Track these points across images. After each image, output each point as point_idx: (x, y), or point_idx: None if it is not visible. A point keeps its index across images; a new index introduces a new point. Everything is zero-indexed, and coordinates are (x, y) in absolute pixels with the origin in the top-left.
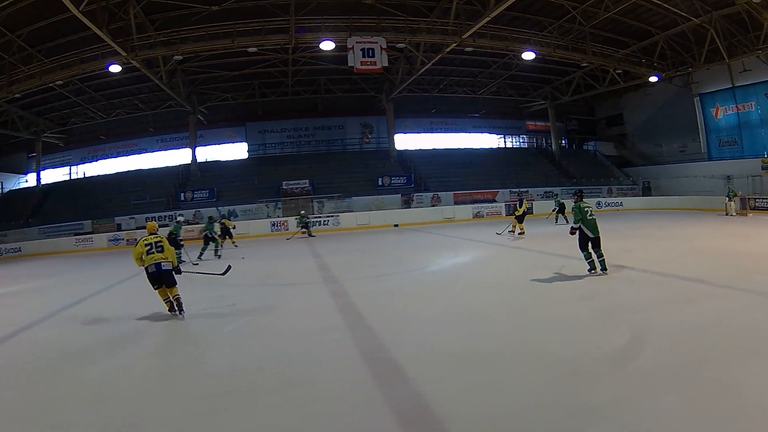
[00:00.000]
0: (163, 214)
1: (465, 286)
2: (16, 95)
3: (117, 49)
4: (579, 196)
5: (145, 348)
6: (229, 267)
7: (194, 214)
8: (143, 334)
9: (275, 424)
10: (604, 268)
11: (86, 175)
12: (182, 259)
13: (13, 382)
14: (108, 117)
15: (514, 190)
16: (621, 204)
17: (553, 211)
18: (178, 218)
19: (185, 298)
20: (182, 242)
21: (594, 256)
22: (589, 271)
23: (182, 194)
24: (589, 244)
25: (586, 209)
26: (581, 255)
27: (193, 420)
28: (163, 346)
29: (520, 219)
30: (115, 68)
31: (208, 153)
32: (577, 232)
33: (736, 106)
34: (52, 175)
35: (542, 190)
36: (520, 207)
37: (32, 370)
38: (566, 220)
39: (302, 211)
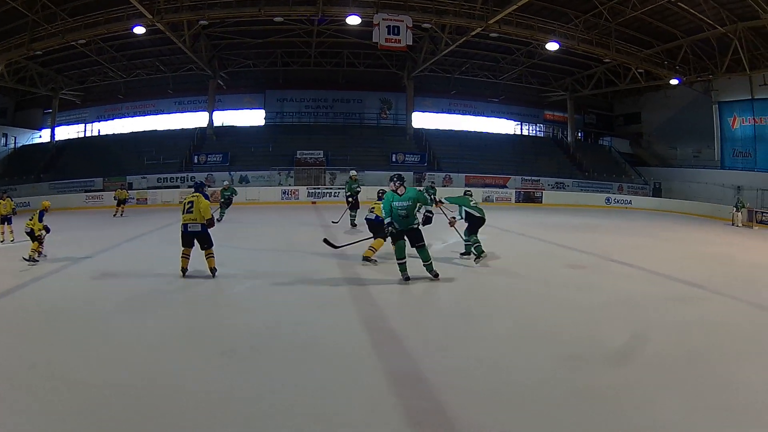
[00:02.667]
0: (175, 175)
1: (466, 266)
2: (38, 52)
3: (143, 11)
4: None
5: (155, 305)
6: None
7: (206, 177)
8: (152, 292)
9: (281, 380)
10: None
11: (101, 134)
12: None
13: (22, 334)
14: (127, 77)
15: (526, 177)
16: (630, 202)
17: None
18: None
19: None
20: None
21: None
22: (475, 260)
23: (196, 157)
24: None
25: (469, 199)
26: (583, 248)
27: (211, 373)
28: (166, 306)
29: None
30: (139, 30)
31: (225, 118)
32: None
33: (754, 119)
34: (66, 132)
35: (554, 180)
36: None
37: (38, 323)
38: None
39: (352, 172)
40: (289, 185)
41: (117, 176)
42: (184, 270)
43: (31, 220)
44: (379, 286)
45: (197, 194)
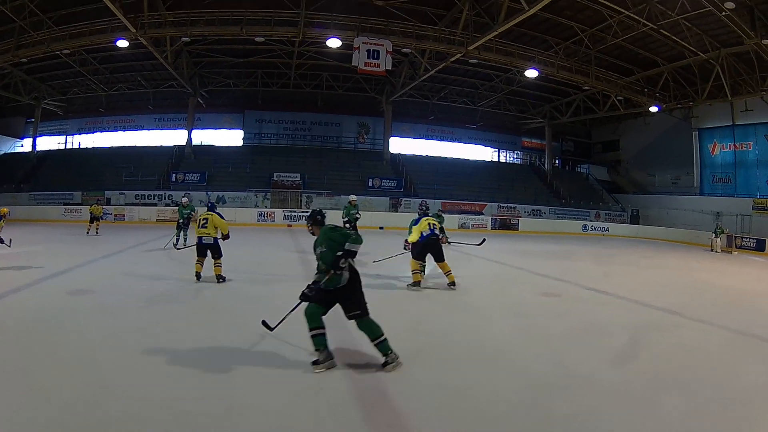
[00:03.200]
0: (153, 192)
1: (437, 293)
2: (22, 59)
3: (127, 24)
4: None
5: (123, 323)
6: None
7: (184, 196)
8: (125, 308)
9: (252, 398)
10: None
11: (81, 146)
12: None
13: None
14: (109, 90)
15: (502, 204)
16: (607, 229)
17: None
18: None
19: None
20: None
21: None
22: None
23: (174, 175)
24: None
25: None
26: (558, 276)
27: (178, 398)
28: (139, 323)
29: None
30: (122, 43)
31: (204, 136)
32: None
33: (734, 144)
34: (47, 143)
35: (530, 207)
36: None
37: (13, 333)
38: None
39: (352, 197)
40: (266, 207)
41: (95, 191)
42: (198, 275)
43: None
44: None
45: (211, 213)
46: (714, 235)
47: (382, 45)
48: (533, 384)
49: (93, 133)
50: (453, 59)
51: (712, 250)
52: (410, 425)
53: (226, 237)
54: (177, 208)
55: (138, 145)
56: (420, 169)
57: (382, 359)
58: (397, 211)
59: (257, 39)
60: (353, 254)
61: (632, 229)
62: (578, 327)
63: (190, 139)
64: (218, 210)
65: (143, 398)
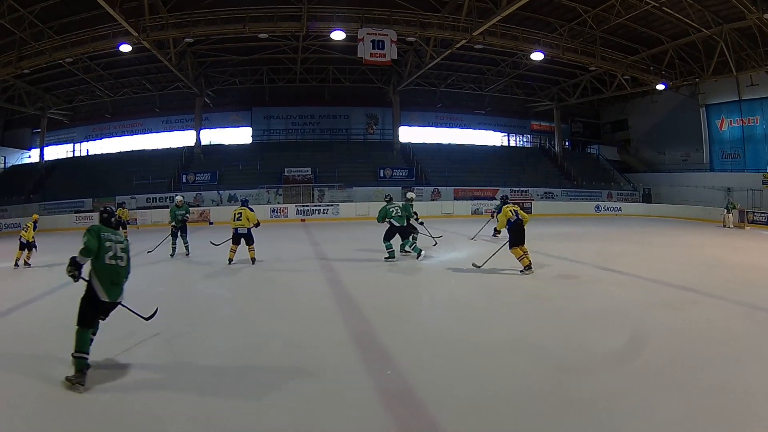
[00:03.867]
0: (164, 195)
1: (458, 280)
2: (25, 71)
3: (129, 29)
4: (388, 199)
5: (144, 327)
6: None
7: (195, 197)
8: (143, 313)
9: (271, 401)
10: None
11: (89, 153)
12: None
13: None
14: (114, 96)
15: (514, 188)
16: (620, 209)
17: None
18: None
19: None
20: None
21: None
22: (386, 258)
23: (185, 176)
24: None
25: (390, 209)
26: (574, 257)
27: (200, 397)
28: (161, 324)
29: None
30: (125, 48)
31: (212, 136)
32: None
33: (741, 120)
34: (55, 152)
35: (542, 190)
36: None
37: (31, 348)
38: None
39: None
40: (278, 203)
41: (106, 197)
42: (230, 260)
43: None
44: (369, 301)
45: (244, 207)
46: (726, 210)
47: (387, 35)
48: (554, 367)
49: (100, 139)
50: (458, 46)
51: (724, 226)
52: (433, 416)
53: (257, 225)
54: (169, 209)
55: (146, 148)
56: (430, 157)
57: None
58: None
59: (261, 36)
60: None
61: (644, 207)
62: (596, 308)
63: (198, 139)
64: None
65: (163, 413)
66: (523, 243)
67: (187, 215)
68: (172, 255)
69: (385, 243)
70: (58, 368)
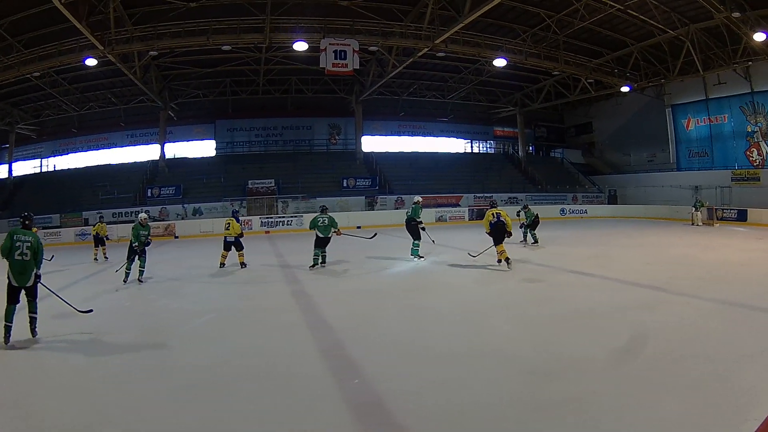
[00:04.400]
0: (130, 209)
1: (424, 288)
2: None
3: (95, 42)
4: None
5: (113, 341)
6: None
7: (160, 211)
8: (110, 328)
9: (240, 414)
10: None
11: (56, 168)
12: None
13: None
14: (81, 110)
15: (479, 194)
16: (586, 211)
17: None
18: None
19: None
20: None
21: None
22: (311, 267)
23: (150, 190)
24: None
25: (317, 219)
26: (540, 261)
27: (165, 413)
28: (130, 339)
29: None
30: (91, 62)
31: (176, 149)
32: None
33: (709, 118)
34: (23, 167)
35: (507, 195)
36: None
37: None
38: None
39: (417, 197)
40: (242, 215)
41: (73, 212)
42: (222, 264)
43: None
44: (334, 311)
45: (232, 218)
46: (694, 208)
47: (349, 45)
48: (524, 372)
49: (67, 154)
50: (420, 54)
51: (693, 224)
52: (403, 422)
53: (240, 236)
54: (132, 227)
55: (112, 162)
56: (394, 166)
57: None
58: (373, 209)
59: (224, 48)
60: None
61: (610, 209)
62: (565, 311)
63: (163, 153)
64: (238, 216)
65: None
66: (501, 242)
67: (150, 238)
68: (125, 281)
69: (314, 250)
70: None
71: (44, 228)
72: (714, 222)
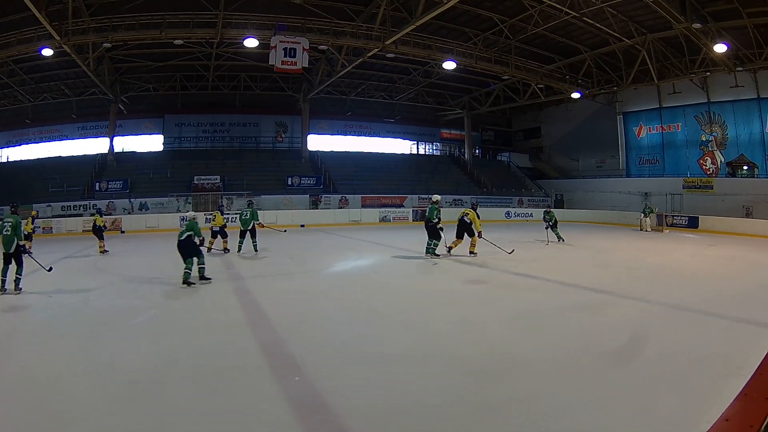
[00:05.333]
0: (78, 203)
1: (365, 287)
2: None
3: (52, 32)
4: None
5: (55, 339)
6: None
7: (107, 205)
8: (56, 324)
9: (183, 413)
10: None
11: (9, 159)
12: None
13: None
14: (35, 101)
15: (423, 195)
16: (531, 215)
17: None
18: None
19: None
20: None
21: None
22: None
23: (98, 184)
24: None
25: (242, 212)
26: (484, 263)
27: (105, 411)
28: (69, 338)
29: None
30: (47, 52)
31: (125, 143)
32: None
33: (662, 126)
34: None
35: (451, 197)
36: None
37: None
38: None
39: (435, 197)
40: (187, 211)
41: (24, 204)
42: (209, 249)
43: None
44: (277, 310)
45: (217, 211)
46: (643, 214)
47: (299, 43)
48: (469, 372)
49: (20, 145)
50: (370, 54)
51: (642, 230)
52: (345, 423)
53: (224, 226)
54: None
55: (63, 155)
56: (339, 165)
57: None
58: (317, 208)
59: (176, 42)
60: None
61: (557, 213)
62: (508, 313)
63: (112, 146)
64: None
65: (77, 424)
66: (462, 237)
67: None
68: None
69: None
70: None
71: None
72: (663, 228)
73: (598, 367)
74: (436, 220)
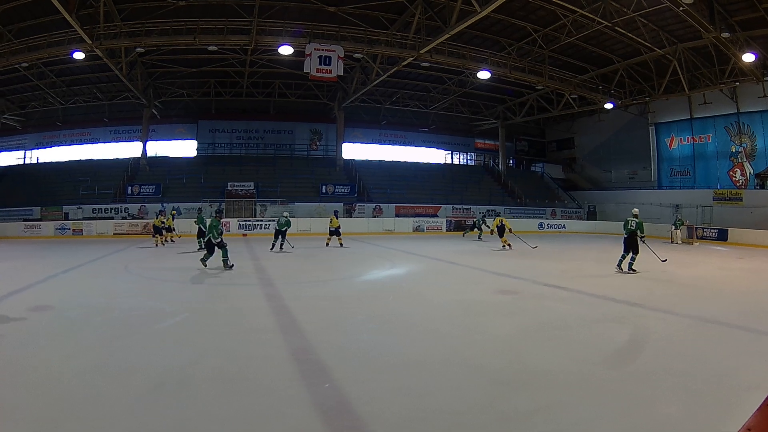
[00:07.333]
0: (109, 206)
1: (397, 296)
2: None
3: (83, 36)
4: (219, 214)
5: (85, 337)
6: None
7: (139, 209)
8: (84, 324)
9: (208, 415)
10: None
11: (39, 161)
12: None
13: None
14: (66, 103)
15: (457, 206)
16: (564, 226)
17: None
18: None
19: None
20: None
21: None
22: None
23: (130, 188)
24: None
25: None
26: (515, 273)
27: (131, 412)
28: (98, 338)
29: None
30: (78, 55)
31: (158, 148)
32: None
33: (692, 137)
34: (7, 158)
35: (485, 208)
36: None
37: None
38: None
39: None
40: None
41: (53, 206)
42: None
43: None
44: (306, 316)
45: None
46: (674, 227)
47: (334, 51)
48: (492, 382)
49: (51, 147)
50: (405, 63)
51: (672, 242)
52: (369, 429)
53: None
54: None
55: (94, 158)
56: (373, 174)
57: None
58: (351, 217)
59: (210, 48)
60: None
61: (588, 225)
62: (536, 323)
63: (144, 151)
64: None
65: (102, 425)
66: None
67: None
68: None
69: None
70: None
71: (24, 221)
72: (694, 241)
73: (622, 379)
74: (643, 234)
